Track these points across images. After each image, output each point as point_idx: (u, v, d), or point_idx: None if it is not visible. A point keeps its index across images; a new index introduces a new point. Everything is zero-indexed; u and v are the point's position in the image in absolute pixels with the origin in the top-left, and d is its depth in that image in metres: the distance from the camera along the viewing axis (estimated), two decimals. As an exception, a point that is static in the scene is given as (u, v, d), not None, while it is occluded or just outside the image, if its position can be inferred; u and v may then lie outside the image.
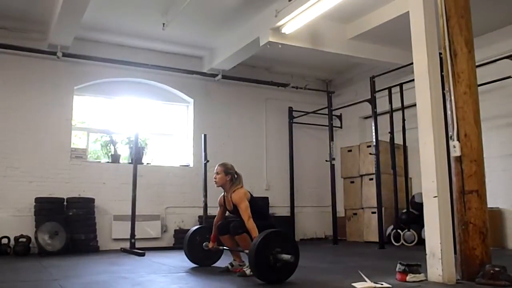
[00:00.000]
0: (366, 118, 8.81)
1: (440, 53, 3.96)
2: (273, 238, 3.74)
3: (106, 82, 7.77)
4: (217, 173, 4.40)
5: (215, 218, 4.61)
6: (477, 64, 3.90)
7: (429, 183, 3.71)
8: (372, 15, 6.73)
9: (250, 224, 4.03)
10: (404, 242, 7.06)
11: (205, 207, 6.71)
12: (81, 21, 6.27)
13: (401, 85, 7.33)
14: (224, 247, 4.57)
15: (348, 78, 9.39)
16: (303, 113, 9.08)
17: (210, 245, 4.66)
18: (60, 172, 7.05)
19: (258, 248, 3.62)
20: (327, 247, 7.42)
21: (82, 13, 5.98)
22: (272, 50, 6.95)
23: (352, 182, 8.57)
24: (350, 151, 8.71)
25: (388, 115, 7.39)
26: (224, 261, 4.73)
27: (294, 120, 9.12)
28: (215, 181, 4.43)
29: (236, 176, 4.42)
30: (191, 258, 4.91)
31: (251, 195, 4.36)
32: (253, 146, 8.79)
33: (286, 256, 3.61)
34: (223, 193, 4.52)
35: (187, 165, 8.18)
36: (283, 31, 6.47)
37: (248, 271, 4.03)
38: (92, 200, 6.97)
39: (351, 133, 9.28)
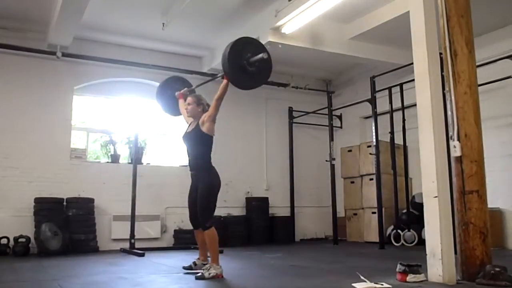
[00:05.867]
0: (366, 118, 8.81)
1: (440, 53, 3.95)
2: (239, 46, 3.93)
3: (105, 82, 7.76)
4: (189, 104, 4.43)
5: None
6: (477, 64, 3.89)
7: (429, 183, 3.70)
8: (372, 15, 6.72)
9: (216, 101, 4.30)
10: (404, 243, 7.06)
11: (205, 207, 6.70)
12: (81, 21, 6.28)
13: (401, 85, 7.33)
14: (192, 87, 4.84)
15: (348, 78, 9.38)
16: (303, 113, 9.08)
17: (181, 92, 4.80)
18: (60, 172, 7.04)
19: (229, 59, 3.83)
20: (327, 247, 7.42)
21: (81, 13, 5.98)
22: (272, 50, 6.89)
23: (352, 182, 8.57)
24: (350, 151, 8.71)
25: (388, 115, 7.38)
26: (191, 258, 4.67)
27: (294, 120, 9.11)
28: (186, 112, 4.48)
29: (207, 107, 4.42)
30: (162, 107, 5.08)
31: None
32: (253, 146, 8.77)
33: (258, 56, 3.82)
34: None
35: (187, 165, 8.13)
36: (283, 31, 6.47)
37: (207, 274, 3.90)
38: (91, 200, 6.96)
39: (351, 133, 9.27)
